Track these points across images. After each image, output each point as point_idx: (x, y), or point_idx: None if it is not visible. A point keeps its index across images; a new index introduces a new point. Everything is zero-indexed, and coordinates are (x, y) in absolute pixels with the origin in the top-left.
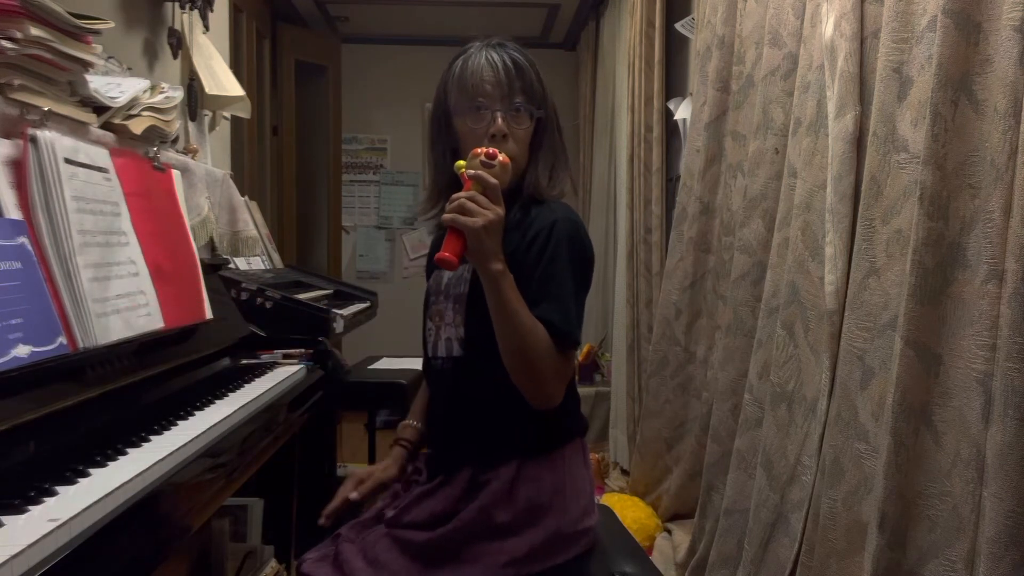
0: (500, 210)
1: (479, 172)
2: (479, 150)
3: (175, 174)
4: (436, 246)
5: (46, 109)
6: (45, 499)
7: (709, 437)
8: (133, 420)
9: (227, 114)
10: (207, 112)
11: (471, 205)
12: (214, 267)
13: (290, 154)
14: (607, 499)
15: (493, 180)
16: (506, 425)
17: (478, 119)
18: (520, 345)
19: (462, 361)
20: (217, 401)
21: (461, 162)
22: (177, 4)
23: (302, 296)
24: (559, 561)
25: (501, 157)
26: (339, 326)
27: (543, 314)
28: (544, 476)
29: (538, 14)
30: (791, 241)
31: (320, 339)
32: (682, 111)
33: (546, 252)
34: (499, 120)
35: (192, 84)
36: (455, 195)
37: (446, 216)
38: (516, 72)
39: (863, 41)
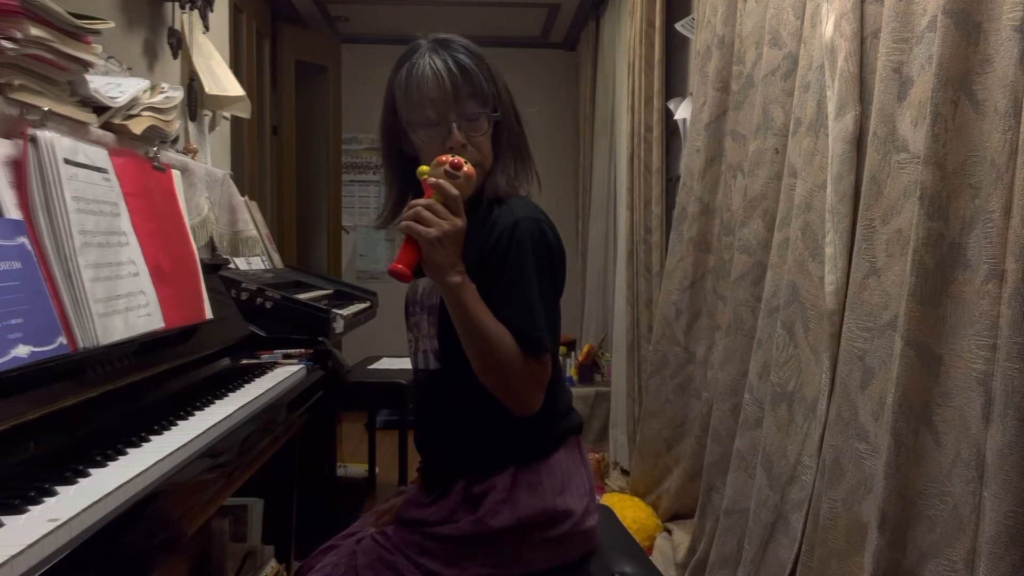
0: (459, 221)
1: (440, 181)
2: (444, 158)
3: (175, 174)
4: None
5: (46, 109)
6: (45, 499)
7: (709, 437)
8: (133, 420)
9: (227, 114)
10: (207, 112)
11: (427, 214)
12: (214, 267)
13: (290, 154)
14: (607, 499)
15: (454, 191)
16: (493, 435)
17: (433, 135)
18: (487, 355)
19: (439, 374)
20: (217, 401)
21: (424, 167)
22: (177, 4)
23: (302, 296)
24: (564, 562)
25: (466, 167)
26: (339, 326)
27: (509, 321)
28: (543, 481)
29: (538, 14)
30: (791, 241)
31: (320, 339)
32: (682, 111)
33: (509, 256)
34: (455, 132)
35: (192, 84)
36: (413, 201)
37: (402, 224)
38: (462, 77)
39: (863, 41)
